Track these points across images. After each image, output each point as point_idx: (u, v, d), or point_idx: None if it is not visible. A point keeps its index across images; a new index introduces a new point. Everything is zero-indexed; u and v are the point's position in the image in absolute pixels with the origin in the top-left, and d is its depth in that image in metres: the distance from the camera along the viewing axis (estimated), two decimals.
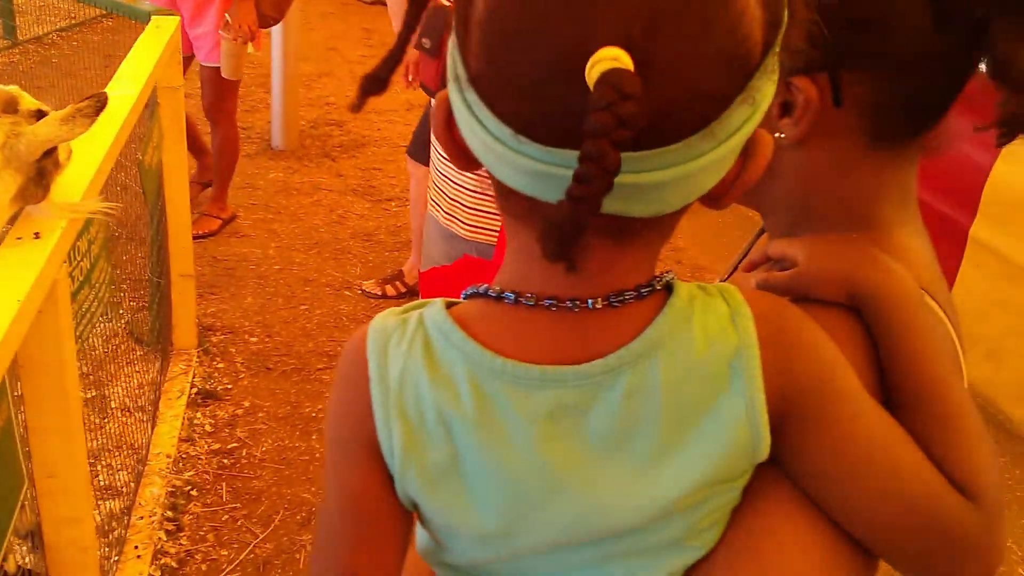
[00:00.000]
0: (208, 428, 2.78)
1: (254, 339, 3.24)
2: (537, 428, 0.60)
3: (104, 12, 3.04)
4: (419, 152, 3.26)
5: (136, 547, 2.26)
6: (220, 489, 2.55)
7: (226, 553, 2.35)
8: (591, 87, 0.47)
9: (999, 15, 0.66)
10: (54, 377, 1.37)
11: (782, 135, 0.72)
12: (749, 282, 0.74)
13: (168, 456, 2.58)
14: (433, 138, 2.33)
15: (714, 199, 0.58)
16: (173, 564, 2.28)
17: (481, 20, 0.53)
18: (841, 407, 0.62)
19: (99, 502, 2.35)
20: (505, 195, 0.57)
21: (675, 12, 0.49)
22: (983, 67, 0.69)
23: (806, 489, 0.63)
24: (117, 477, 2.44)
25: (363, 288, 3.59)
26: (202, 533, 2.40)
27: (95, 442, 2.50)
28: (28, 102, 1.32)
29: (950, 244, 3.15)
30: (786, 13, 0.55)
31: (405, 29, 0.60)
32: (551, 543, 0.63)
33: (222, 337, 3.22)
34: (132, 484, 2.41)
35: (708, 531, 0.64)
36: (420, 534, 0.69)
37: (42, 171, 1.30)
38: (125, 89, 1.87)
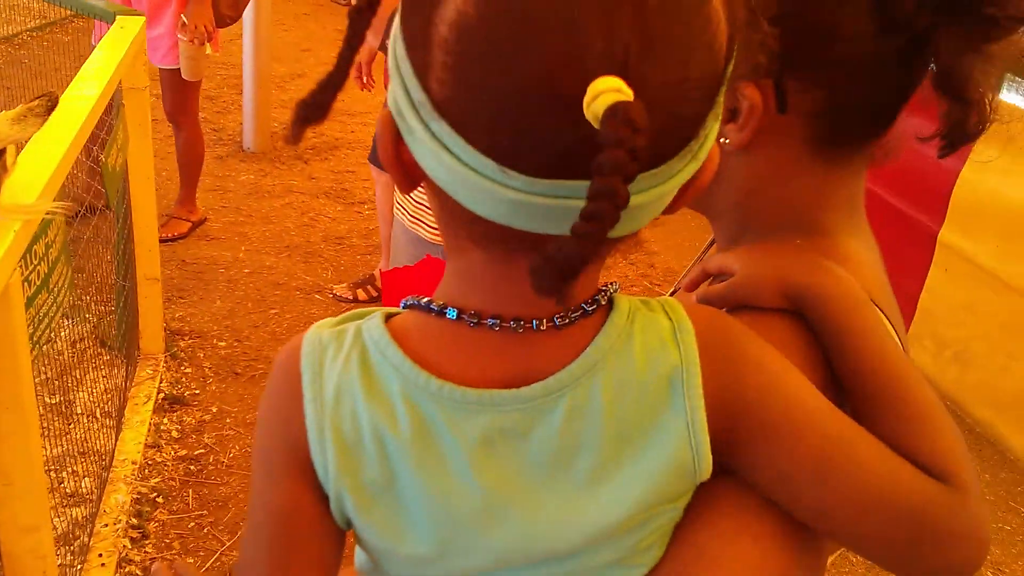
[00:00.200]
0: (175, 434, 2.74)
1: (223, 344, 3.21)
2: (474, 452, 0.59)
3: (74, 12, 3.01)
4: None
5: (100, 555, 2.23)
6: (187, 496, 2.52)
7: (192, 561, 2.32)
8: (594, 119, 0.45)
9: (942, 25, 0.66)
10: (8, 383, 1.34)
11: (727, 140, 0.72)
12: (691, 300, 0.73)
13: (134, 463, 2.54)
14: None
15: (669, 207, 0.58)
16: (138, 572, 2.25)
17: (448, 43, 0.49)
18: (790, 414, 0.61)
19: (63, 509, 2.32)
20: (468, 222, 0.54)
21: (665, 34, 0.48)
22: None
23: (771, 497, 0.63)
24: (82, 484, 2.40)
25: (334, 292, 3.56)
26: (168, 541, 2.36)
27: (60, 448, 2.47)
28: None
29: (919, 249, 3.17)
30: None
31: (347, 49, 0.56)
32: (490, 566, 0.61)
33: (190, 342, 3.19)
34: (97, 491, 2.38)
35: (649, 551, 0.63)
36: (359, 551, 0.67)
37: None
38: (86, 89, 1.84)
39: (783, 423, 0.61)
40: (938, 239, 3.13)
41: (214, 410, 2.87)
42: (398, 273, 2.00)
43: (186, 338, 3.21)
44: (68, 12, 5.16)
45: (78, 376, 2.77)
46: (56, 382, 2.72)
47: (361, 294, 3.54)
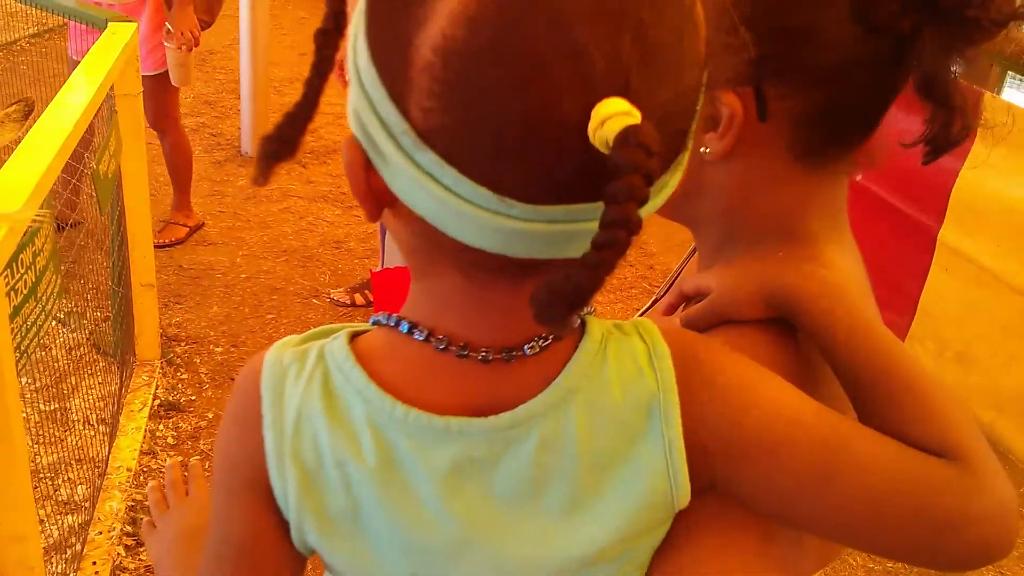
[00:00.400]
0: (171, 441, 2.73)
1: (219, 349, 3.20)
2: (442, 482, 0.57)
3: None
4: None
5: (94, 563, 2.22)
6: None
7: None
8: (602, 145, 0.44)
9: (924, 28, 0.65)
10: None
11: (707, 150, 0.70)
12: (673, 323, 0.72)
13: (129, 470, 2.53)
14: None
15: None
16: None
17: (433, 68, 0.46)
18: (778, 428, 0.59)
19: (58, 517, 2.31)
20: (453, 251, 0.51)
21: (661, 49, 0.47)
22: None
23: (777, 516, 0.61)
24: (76, 491, 2.39)
25: (331, 296, 3.55)
26: None
27: (55, 455, 2.46)
28: None
29: (919, 249, 3.15)
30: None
31: (315, 76, 0.53)
32: None
33: (187, 347, 3.18)
34: (91, 499, 2.37)
35: None
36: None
37: None
38: (75, 97, 1.83)
39: (771, 439, 0.59)
40: (938, 239, 3.11)
41: (210, 416, 2.86)
42: (389, 274, 1.99)
43: (183, 344, 3.20)
44: (66, 19, 5.17)
45: (74, 383, 2.76)
46: (52, 389, 2.72)
47: (359, 298, 3.53)
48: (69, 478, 2.43)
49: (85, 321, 3.08)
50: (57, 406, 2.68)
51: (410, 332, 0.57)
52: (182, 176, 3.84)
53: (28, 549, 1.49)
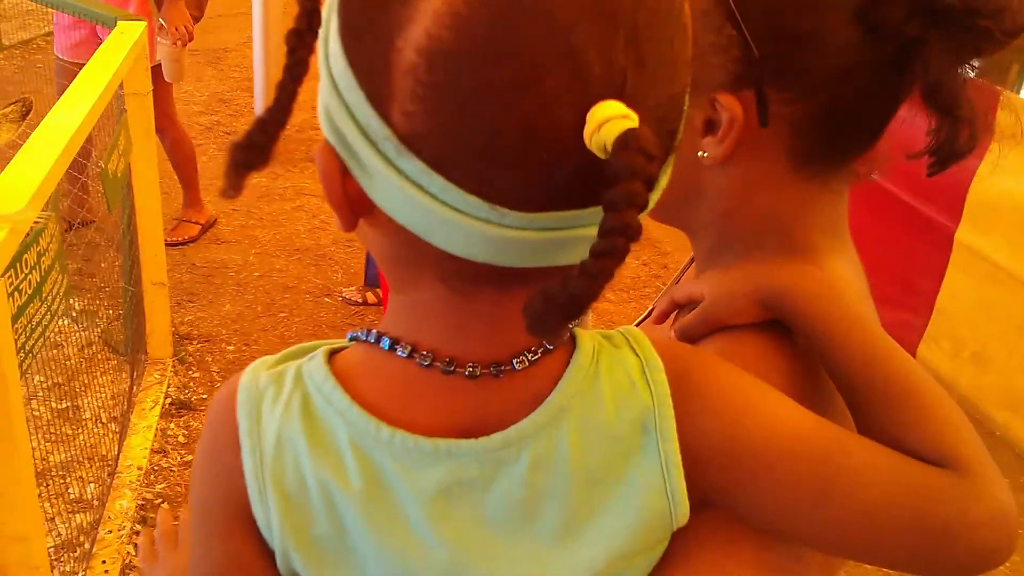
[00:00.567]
0: (181, 439, 2.74)
1: (231, 348, 3.21)
2: (431, 506, 0.55)
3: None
4: None
5: (104, 561, 2.22)
6: None
7: None
8: (599, 149, 0.42)
9: (932, 36, 0.62)
10: None
11: (705, 154, 0.68)
12: (667, 334, 0.70)
13: (139, 468, 2.54)
14: None
15: None
16: None
17: (418, 71, 0.44)
18: (775, 442, 0.58)
19: (68, 515, 2.32)
20: (436, 260, 0.49)
21: (654, 51, 0.45)
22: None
23: (776, 530, 0.59)
24: (87, 490, 2.40)
25: (344, 295, 3.55)
26: None
27: (67, 454, 2.47)
28: None
29: (935, 248, 3.12)
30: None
31: (289, 80, 0.49)
32: None
33: (199, 346, 3.19)
34: (101, 497, 2.38)
35: None
36: None
37: None
38: (81, 95, 1.83)
39: (769, 454, 0.57)
40: (955, 239, 3.07)
41: None
42: None
43: (195, 342, 3.21)
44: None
45: (86, 381, 2.77)
46: (64, 387, 2.73)
47: (370, 297, 3.52)
48: (80, 476, 2.44)
49: (98, 319, 3.09)
50: (68, 404, 2.69)
51: (392, 348, 0.55)
52: (188, 172, 3.82)
53: (32, 549, 1.48)
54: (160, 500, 2.48)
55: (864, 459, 0.58)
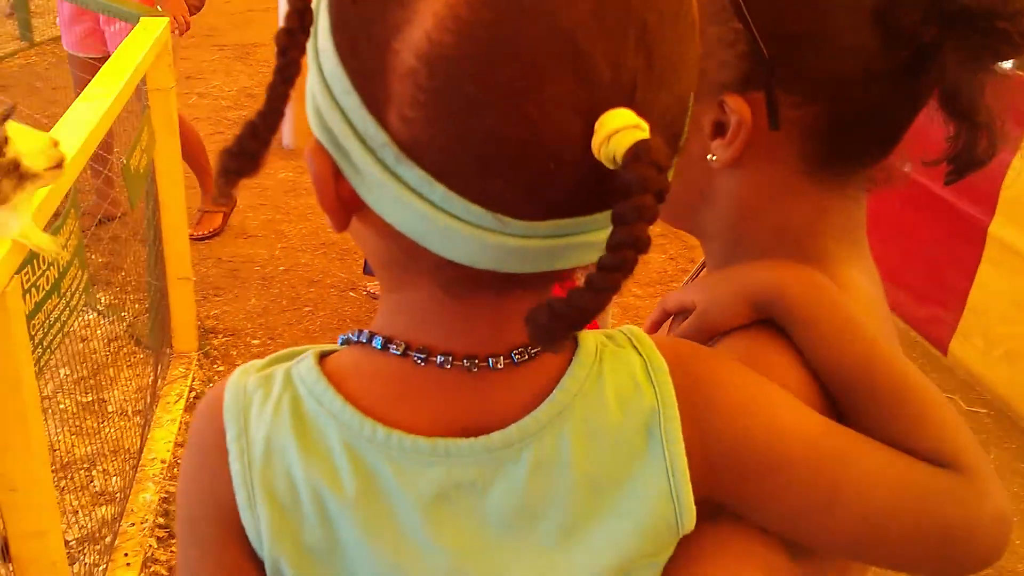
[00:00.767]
0: None
1: (256, 342, 3.22)
2: (427, 509, 0.53)
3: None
4: None
5: (126, 554, 2.24)
6: None
7: None
8: (609, 160, 0.41)
9: (949, 39, 0.60)
10: (9, 392, 1.33)
11: (713, 157, 0.66)
12: (665, 334, 0.69)
13: (163, 461, 2.56)
14: None
15: None
16: (163, 572, 2.26)
17: (418, 76, 0.42)
18: (783, 444, 0.56)
19: (92, 508, 2.34)
20: (434, 267, 0.48)
21: (664, 54, 0.44)
22: None
23: (783, 534, 0.58)
24: (111, 483, 2.42)
25: (368, 289, 3.55)
26: None
27: (91, 447, 2.49)
28: None
29: (968, 243, 3.06)
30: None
31: (280, 82, 0.46)
32: None
33: (224, 340, 3.20)
34: (125, 490, 2.39)
35: None
36: None
37: None
38: (101, 92, 1.84)
39: (777, 457, 0.56)
40: (988, 233, 3.01)
41: None
42: None
43: (220, 336, 3.22)
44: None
45: (112, 374, 2.79)
46: (90, 380, 2.75)
47: None
48: (104, 469, 2.46)
49: (124, 313, 3.12)
50: (94, 397, 2.71)
51: (385, 347, 0.53)
52: (199, 162, 3.75)
53: (49, 544, 1.49)
54: None
55: (872, 461, 0.58)
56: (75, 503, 2.31)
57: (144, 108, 2.40)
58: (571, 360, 0.55)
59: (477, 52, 0.41)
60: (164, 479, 2.51)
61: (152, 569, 2.25)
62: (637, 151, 0.40)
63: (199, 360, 3.03)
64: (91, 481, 2.44)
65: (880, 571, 0.65)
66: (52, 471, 2.33)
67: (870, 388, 0.61)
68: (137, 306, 3.16)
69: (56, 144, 1.39)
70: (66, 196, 1.59)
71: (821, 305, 0.63)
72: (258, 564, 0.56)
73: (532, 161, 0.42)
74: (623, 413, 0.54)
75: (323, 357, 0.57)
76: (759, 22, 0.61)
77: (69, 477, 2.41)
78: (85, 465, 2.47)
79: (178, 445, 2.66)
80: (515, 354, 0.53)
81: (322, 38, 0.47)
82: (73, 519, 2.25)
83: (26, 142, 1.33)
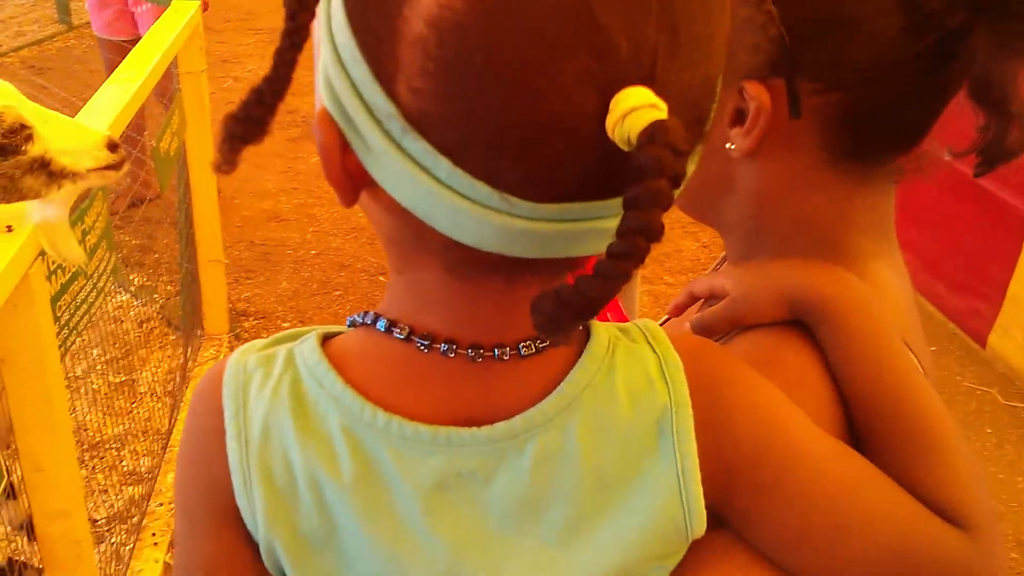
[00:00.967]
0: None
1: (287, 325, 3.23)
2: (427, 499, 0.51)
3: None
4: None
5: (153, 534, 2.26)
6: None
7: None
8: (623, 142, 0.39)
9: (978, 24, 0.57)
10: (34, 372, 1.34)
11: (732, 146, 0.64)
12: (683, 327, 0.66)
13: None
14: None
15: None
16: None
17: (427, 44, 0.41)
18: (795, 464, 0.54)
19: (121, 487, 2.37)
20: (441, 247, 0.47)
21: (689, 30, 0.41)
22: None
23: (775, 557, 0.56)
24: (141, 463, 2.44)
25: None
26: None
27: (121, 427, 2.52)
28: None
29: (1007, 232, 2.99)
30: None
31: (288, 46, 0.45)
32: None
33: (255, 322, 3.22)
34: (154, 470, 2.41)
35: None
36: None
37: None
38: (130, 75, 1.84)
39: (789, 471, 0.54)
40: None
41: None
42: None
43: (251, 319, 3.24)
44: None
45: (143, 355, 2.82)
46: (122, 361, 2.78)
47: None
48: (134, 449, 2.48)
49: (156, 295, 3.14)
50: (125, 377, 2.74)
51: (388, 330, 0.52)
52: None
53: (74, 524, 1.50)
54: None
55: (884, 499, 0.56)
56: (105, 482, 2.34)
57: (176, 91, 2.41)
58: (581, 353, 0.53)
59: (488, 20, 0.40)
60: None
61: None
62: (653, 132, 0.38)
63: (230, 342, 3.05)
64: (121, 461, 2.46)
65: None
66: (82, 450, 2.37)
67: (893, 421, 0.58)
68: (169, 288, 3.19)
69: (110, 144, 1.32)
70: None
71: (860, 326, 0.60)
72: (251, 546, 0.55)
73: (542, 139, 0.41)
74: (634, 409, 0.52)
75: (328, 339, 0.55)
76: (779, 6, 0.58)
77: (99, 456, 2.44)
78: (115, 445, 2.49)
79: None
80: (522, 346, 0.51)
81: (334, 4, 0.45)
82: (103, 498, 2.27)
83: (67, 139, 1.28)
